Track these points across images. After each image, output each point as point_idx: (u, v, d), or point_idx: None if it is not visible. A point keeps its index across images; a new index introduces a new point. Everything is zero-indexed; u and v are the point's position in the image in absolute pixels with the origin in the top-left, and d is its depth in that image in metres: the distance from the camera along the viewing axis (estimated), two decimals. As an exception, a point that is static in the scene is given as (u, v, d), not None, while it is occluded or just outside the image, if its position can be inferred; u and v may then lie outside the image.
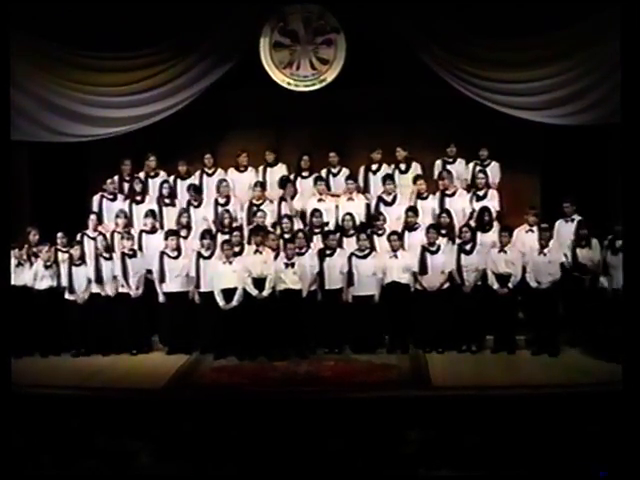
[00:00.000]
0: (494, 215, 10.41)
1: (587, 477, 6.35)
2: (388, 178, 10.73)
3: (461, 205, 10.53)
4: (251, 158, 11.22)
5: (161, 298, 10.15)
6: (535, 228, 10.01)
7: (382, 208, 10.56)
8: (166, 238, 10.18)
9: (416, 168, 10.98)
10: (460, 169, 10.92)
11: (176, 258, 10.11)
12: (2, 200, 7.60)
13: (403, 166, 10.98)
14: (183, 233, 10.37)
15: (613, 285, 9.30)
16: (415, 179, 10.74)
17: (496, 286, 9.72)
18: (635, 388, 6.21)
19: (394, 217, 10.46)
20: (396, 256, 9.90)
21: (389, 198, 10.65)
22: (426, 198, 10.62)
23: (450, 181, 10.66)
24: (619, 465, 6.03)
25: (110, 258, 10.17)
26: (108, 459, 6.80)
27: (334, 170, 11.13)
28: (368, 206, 10.70)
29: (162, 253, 10.11)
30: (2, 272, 7.80)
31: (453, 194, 10.62)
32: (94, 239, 10.41)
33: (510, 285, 9.71)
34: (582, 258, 9.70)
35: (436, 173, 10.93)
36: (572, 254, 9.74)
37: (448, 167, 10.85)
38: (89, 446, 7.02)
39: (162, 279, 10.08)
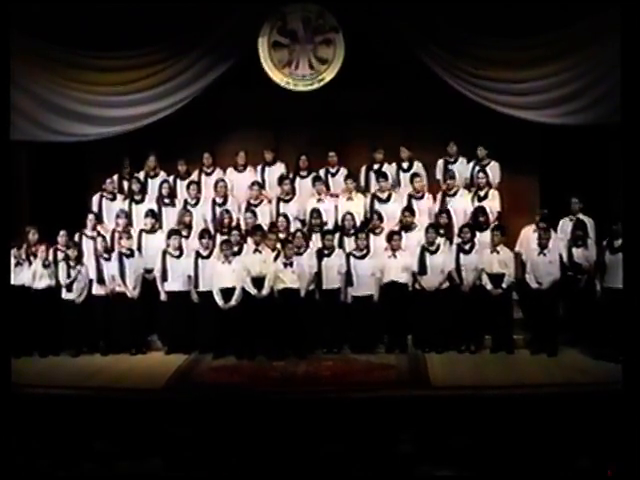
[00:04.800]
0: (493, 215, 10.41)
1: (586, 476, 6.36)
2: (381, 176, 10.71)
3: (462, 205, 10.52)
4: (250, 158, 11.21)
5: (163, 297, 10.14)
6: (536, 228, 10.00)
7: (377, 206, 10.53)
8: (169, 237, 10.17)
9: (418, 167, 10.97)
10: (461, 168, 10.90)
11: (178, 257, 10.11)
12: (2, 199, 7.60)
13: (406, 165, 10.97)
14: (184, 233, 10.35)
15: (604, 284, 9.35)
16: (412, 177, 10.70)
17: (489, 286, 9.71)
18: (635, 388, 6.21)
19: (390, 216, 10.43)
20: (395, 256, 9.89)
21: (383, 196, 10.64)
22: (421, 198, 10.60)
23: (454, 181, 10.65)
24: (619, 465, 6.03)
25: (110, 259, 10.15)
26: (106, 459, 6.78)
27: (332, 170, 11.13)
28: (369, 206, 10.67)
29: (164, 252, 10.11)
30: (2, 272, 7.79)
31: (455, 194, 10.62)
32: (93, 239, 10.40)
33: (504, 285, 9.71)
34: (578, 258, 9.70)
35: (437, 173, 10.93)
36: (568, 253, 9.73)
37: (449, 167, 10.84)
38: (88, 446, 7.00)
39: (164, 278, 10.07)
